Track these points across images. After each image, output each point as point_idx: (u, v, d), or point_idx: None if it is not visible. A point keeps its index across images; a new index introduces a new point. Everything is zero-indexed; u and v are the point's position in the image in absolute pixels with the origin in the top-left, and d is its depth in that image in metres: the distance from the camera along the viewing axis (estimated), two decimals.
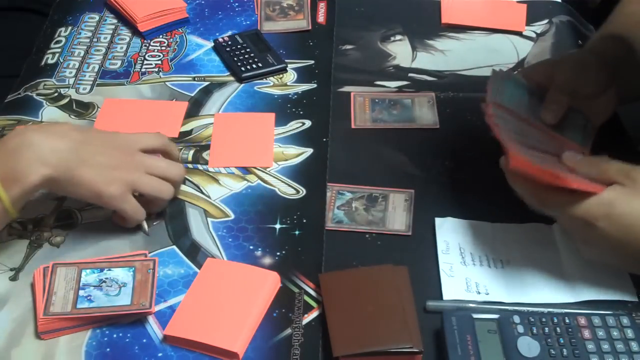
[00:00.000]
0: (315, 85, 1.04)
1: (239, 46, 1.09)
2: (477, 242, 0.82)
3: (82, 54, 1.10)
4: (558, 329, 0.70)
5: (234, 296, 0.76)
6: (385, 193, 0.88)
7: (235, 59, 1.07)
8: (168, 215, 0.86)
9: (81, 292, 0.74)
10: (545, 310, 0.74)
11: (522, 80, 0.86)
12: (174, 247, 0.82)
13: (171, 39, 1.13)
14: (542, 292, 0.77)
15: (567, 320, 0.71)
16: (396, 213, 0.85)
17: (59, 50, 1.11)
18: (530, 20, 1.15)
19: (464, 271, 0.79)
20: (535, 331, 0.70)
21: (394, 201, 0.87)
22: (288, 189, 0.89)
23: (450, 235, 0.83)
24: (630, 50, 0.89)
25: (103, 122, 0.98)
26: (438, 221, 0.84)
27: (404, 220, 0.85)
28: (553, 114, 0.84)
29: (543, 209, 0.77)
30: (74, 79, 1.06)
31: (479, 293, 0.77)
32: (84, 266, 0.77)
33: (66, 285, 0.75)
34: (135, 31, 1.14)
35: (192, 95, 1.03)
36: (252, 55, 1.07)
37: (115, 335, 0.74)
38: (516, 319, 0.70)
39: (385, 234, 0.84)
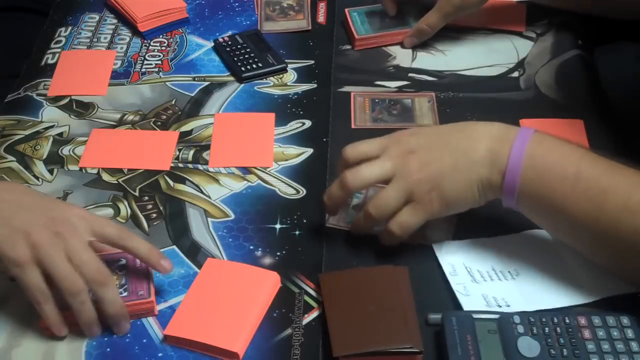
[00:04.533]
0: (315, 85, 1.04)
1: (239, 46, 1.09)
2: (480, 258, 0.80)
3: None
4: (558, 329, 0.70)
5: (234, 296, 0.76)
6: None
7: (235, 59, 1.07)
8: (168, 215, 0.86)
9: None
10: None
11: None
12: (174, 247, 0.83)
13: (171, 39, 1.13)
14: (559, 295, 0.75)
15: (567, 320, 0.70)
16: None
17: (59, 50, 1.11)
18: (530, 20, 1.15)
19: (478, 288, 0.77)
20: (535, 331, 0.70)
21: None
22: (288, 189, 0.89)
23: (452, 257, 0.80)
24: None
25: (90, 155, 0.93)
26: (435, 246, 0.81)
27: None
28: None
29: None
30: None
31: (500, 307, 0.74)
32: None
33: None
34: (135, 31, 1.14)
35: (192, 95, 1.03)
36: (252, 55, 1.07)
37: (115, 335, 0.74)
38: (516, 319, 0.70)
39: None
